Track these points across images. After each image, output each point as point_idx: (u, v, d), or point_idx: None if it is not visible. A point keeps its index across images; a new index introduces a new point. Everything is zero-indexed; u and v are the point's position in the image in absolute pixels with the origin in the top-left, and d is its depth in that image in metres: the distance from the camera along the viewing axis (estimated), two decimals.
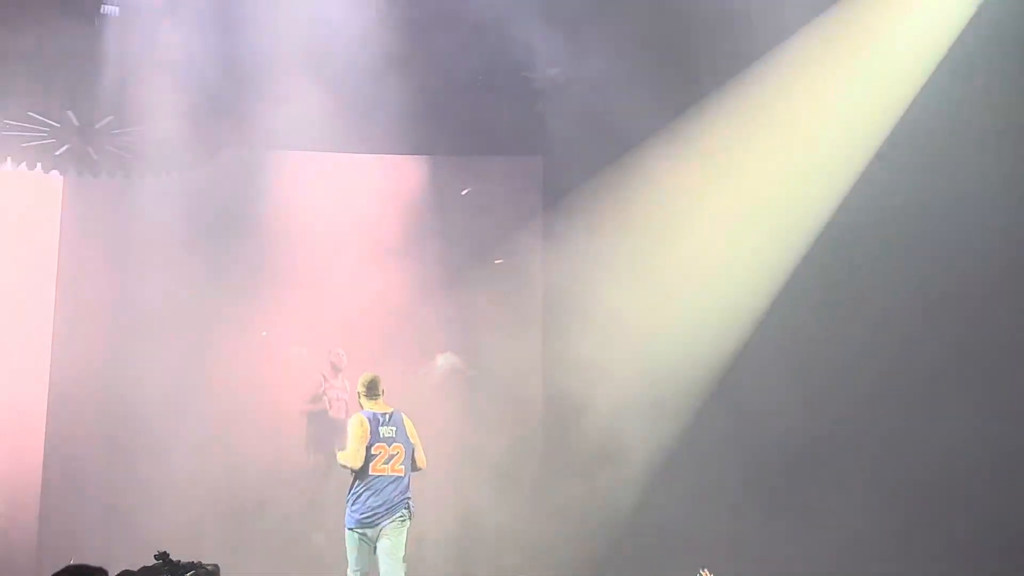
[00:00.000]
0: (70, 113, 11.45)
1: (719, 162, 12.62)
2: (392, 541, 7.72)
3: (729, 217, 12.52)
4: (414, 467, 7.92)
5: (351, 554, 7.82)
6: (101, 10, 10.73)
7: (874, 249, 11.65)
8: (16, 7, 10.63)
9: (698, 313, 12.81)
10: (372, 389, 7.89)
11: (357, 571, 7.84)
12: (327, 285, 13.36)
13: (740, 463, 12.18)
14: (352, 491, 7.80)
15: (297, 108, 12.35)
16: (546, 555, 12.99)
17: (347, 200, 13.89)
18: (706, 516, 12.26)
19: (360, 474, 7.70)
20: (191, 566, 6.01)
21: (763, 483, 12.13)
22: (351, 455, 7.70)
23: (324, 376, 13.64)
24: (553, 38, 11.81)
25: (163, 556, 6.06)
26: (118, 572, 5.33)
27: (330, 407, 13.66)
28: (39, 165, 12.02)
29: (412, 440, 7.91)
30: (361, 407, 7.97)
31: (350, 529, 7.80)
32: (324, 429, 13.49)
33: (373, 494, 7.69)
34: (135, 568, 5.65)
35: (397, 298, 13.64)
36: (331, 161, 14.00)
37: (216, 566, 5.97)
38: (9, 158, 11.86)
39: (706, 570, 8.80)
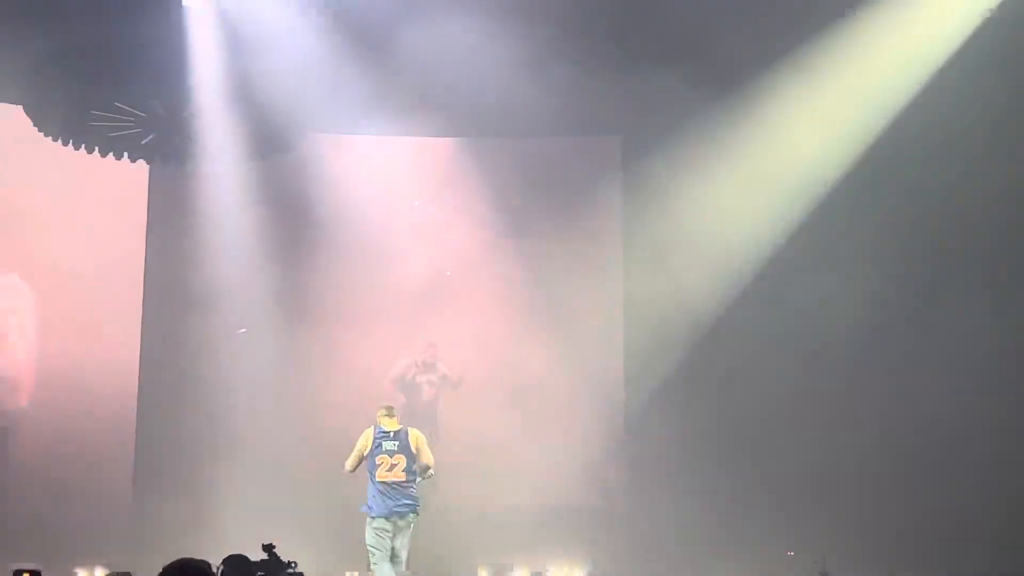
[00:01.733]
0: (155, 102, 11.59)
1: (796, 132, 12.54)
2: (401, 540, 9.18)
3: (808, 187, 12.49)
4: (423, 472, 9.38)
5: (371, 540, 9.11)
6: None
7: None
8: None
9: (776, 298, 12.73)
10: (390, 412, 9.46)
11: (377, 551, 9.11)
12: (409, 265, 13.59)
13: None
14: (369, 494, 9.21)
15: (376, 92, 12.41)
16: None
17: (423, 182, 14.01)
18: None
19: (371, 480, 9.20)
20: (289, 565, 6.14)
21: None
22: (348, 460, 9.33)
23: (416, 363, 13.85)
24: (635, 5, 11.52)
25: (269, 548, 6.18)
26: (227, 555, 5.46)
27: (422, 393, 13.91)
28: (126, 154, 12.22)
29: (414, 450, 9.33)
30: (377, 423, 9.37)
31: (370, 520, 9.18)
32: (421, 413, 13.78)
33: (384, 497, 9.13)
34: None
35: (474, 280, 13.75)
36: (407, 145, 14.09)
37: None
38: (97, 148, 12.07)
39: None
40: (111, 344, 13.37)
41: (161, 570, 3.77)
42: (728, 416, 12.85)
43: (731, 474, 12.71)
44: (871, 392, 12.48)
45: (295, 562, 6.39)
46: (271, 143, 12.33)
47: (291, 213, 13.68)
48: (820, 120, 12.42)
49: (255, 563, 5.96)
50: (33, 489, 12.67)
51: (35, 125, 11.85)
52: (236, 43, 11.31)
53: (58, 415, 13.00)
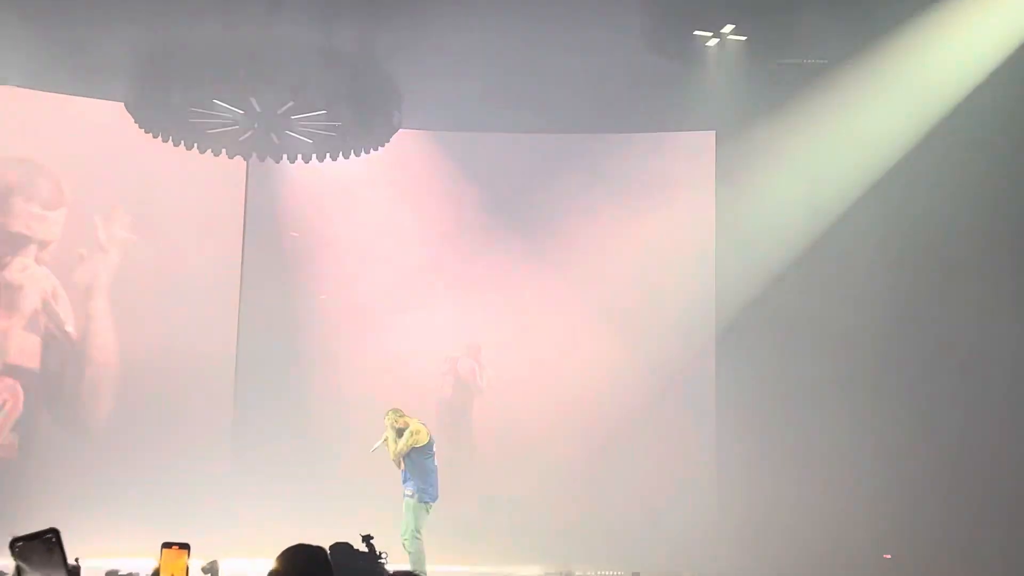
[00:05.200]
0: (252, 100, 11.71)
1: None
2: None
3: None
4: None
5: (423, 521, 10.32)
6: None
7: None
8: None
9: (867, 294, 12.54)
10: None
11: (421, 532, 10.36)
12: (503, 259, 13.78)
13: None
14: (429, 483, 10.40)
15: (464, 89, 12.44)
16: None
17: (512, 180, 14.10)
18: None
19: (431, 468, 10.45)
20: (381, 556, 6.19)
21: None
22: (401, 452, 10.41)
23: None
24: None
25: (368, 539, 6.25)
26: (332, 543, 5.49)
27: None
28: (224, 151, 12.39)
29: None
30: (406, 419, 10.56)
31: (428, 502, 10.38)
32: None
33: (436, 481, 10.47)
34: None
35: (559, 276, 13.78)
36: (496, 141, 14.14)
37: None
38: (196, 144, 12.25)
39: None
40: (207, 337, 13.59)
41: (278, 555, 3.79)
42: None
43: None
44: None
45: (386, 553, 6.44)
46: (366, 138, 12.40)
47: (382, 206, 13.86)
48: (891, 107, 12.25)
49: (358, 552, 5.99)
50: (132, 476, 12.85)
51: (136, 122, 12.06)
52: (332, 39, 11.36)
53: (156, 407, 13.26)
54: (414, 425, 10.53)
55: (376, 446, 10.55)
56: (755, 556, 11.79)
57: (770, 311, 13.02)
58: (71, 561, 2.93)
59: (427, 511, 10.43)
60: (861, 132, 12.44)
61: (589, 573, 12.38)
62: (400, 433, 10.47)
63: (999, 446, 11.66)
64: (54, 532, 2.81)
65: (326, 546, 4.15)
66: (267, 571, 3.79)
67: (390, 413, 10.56)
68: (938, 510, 11.82)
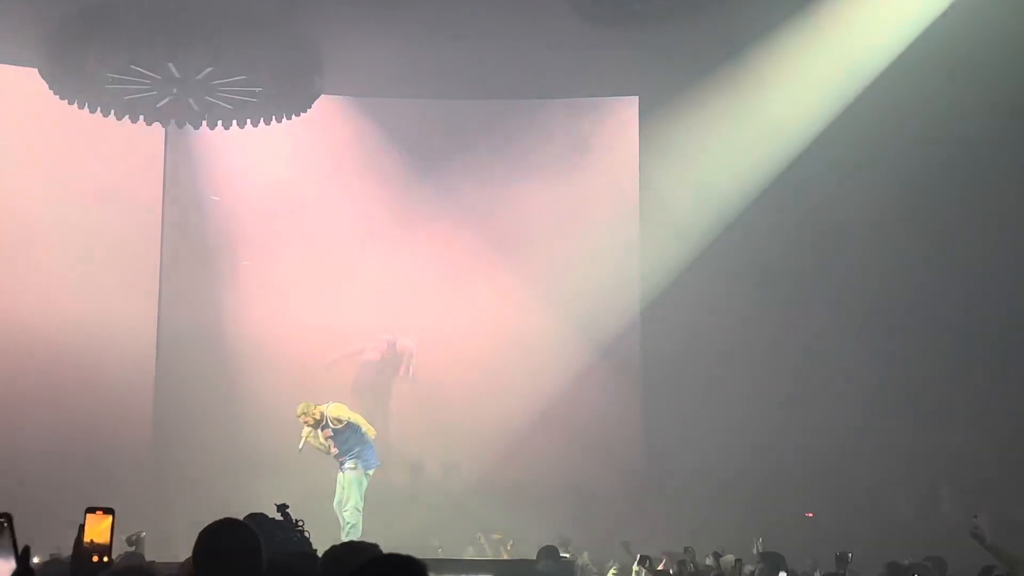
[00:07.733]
0: (171, 65, 11.50)
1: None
2: None
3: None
4: None
5: (364, 491, 10.31)
6: None
7: None
8: None
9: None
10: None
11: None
12: (427, 225, 13.74)
13: None
14: (370, 450, 10.45)
15: (385, 54, 12.33)
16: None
17: (435, 146, 14.02)
18: None
19: (368, 438, 10.47)
20: (298, 524, 6.14)
21: None
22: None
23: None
24: None
25: (283, 508, 6.19)
26: (248, 513, 5.41)
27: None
28: (142, 117, 12.14)
29: None
30: (321, 411, 10.52)
31: (370, 470, 10.42)
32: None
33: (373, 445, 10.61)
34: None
35: (484, 243, 13.77)
36: (418, 107, 14.04)
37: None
38: (113, 111, 11.99)
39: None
40: (128, 308, 13.37)
41: (201, 531, 3.67)
42: None
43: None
44: None
45: (302, 520, 6.38)
46: (287, 104, 12.24)
47: (303, 172, 13.73)
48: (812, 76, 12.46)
49: (275, 522, 5.92)
50: (49, 449, 12.60)
51: (51, 88, 11.77)
52: (253, 4, 11.18)
53: (77, 375, 12.99)
54: (329, 411, 10.49)
55: (301, 445, 10.52)
56: (681, 519, 11.92)
57: (695, 279, 13.13)
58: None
59: (367, 477, 10.42)
60: (788, 99, 12.57)
61: (518, 538, 12.43)
62: (319, 424, 10.39)
63: (918, 408, 11.93)
64: (6, 516, 2.70)
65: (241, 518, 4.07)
66: (192, 547, 3.68)
67: (299, 412, 10.47)
68: (858, 471, 12.08)
